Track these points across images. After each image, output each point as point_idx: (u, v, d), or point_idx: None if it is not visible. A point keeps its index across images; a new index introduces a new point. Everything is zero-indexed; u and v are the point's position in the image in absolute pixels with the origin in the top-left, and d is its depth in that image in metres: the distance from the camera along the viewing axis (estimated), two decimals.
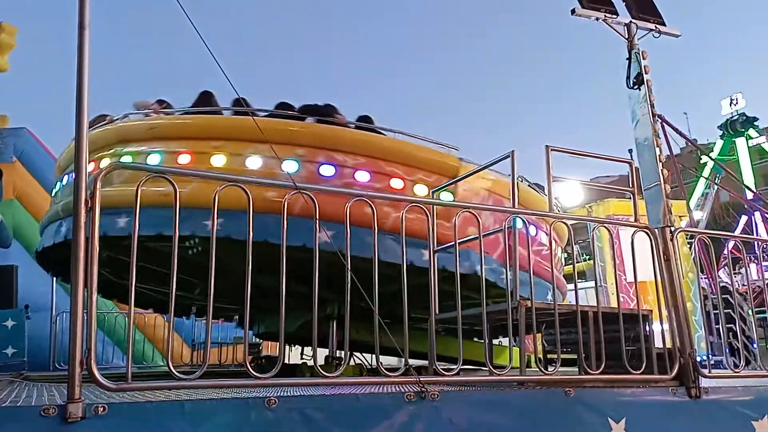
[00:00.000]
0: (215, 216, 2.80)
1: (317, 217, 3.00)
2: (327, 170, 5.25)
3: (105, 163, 5.52)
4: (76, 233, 2.44)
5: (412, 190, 5.35)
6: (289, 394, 2.82)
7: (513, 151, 4.28)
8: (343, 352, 3.22)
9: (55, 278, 8.01)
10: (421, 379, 2.97)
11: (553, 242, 6.01)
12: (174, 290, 2.72)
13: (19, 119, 12.82)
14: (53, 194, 6.73)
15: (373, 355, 3.35)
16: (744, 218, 28.27)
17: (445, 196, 5.27)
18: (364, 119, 6.09)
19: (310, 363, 5.61)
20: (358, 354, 6.49)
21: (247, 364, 2.83)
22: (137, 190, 2.65)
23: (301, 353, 7.29)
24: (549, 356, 4.72)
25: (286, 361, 6.33)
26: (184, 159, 5.31)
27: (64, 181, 6.26)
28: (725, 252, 19.78)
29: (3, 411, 2.51)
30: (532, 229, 5.28)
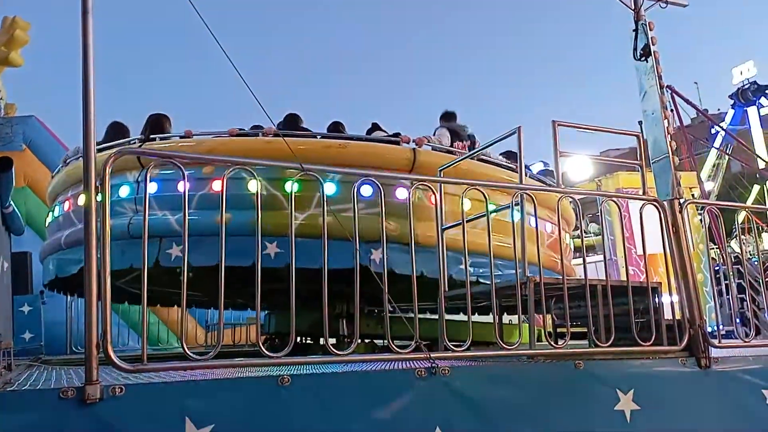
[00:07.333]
0: (224, 203, 2.83)
1: (324, 199, 3.03)
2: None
3: None
4: (87, 223, 2.47)
5: None
6: (301, 372, 2.87)
7: (520, 127, 4.26)
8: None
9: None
10: (431, 355, 3.01)
11: (562, 230, 5.97)
12: (186, 274, 2.76)
13: (26, 108, 12.94)
14: (47, 224, 6.49)
15: (383, 340, 3.40)
16: (756, 188, 28.07)
17: None
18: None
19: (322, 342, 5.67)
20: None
21: (260, 343, 2.88)
22: (147, 177, 2.68)
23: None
24: (559, 330, 4.74)
25: (298, 341, 6.42)
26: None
27: (56, 212, 6.08)
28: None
29: (23, 394, 2.56)
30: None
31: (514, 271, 3.60)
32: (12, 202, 4.70)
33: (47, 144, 11.68)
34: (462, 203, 3.59)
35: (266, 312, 7.03)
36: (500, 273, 4.83)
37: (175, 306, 8.46)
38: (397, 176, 4.36)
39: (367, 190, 4.52)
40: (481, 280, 4.80)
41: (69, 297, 8.90)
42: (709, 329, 4.03)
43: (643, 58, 4.50)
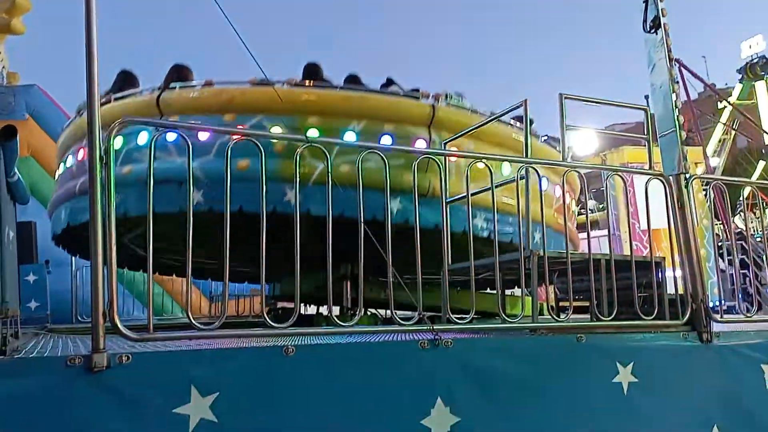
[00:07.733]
0: (228, 175, 2.83)
1: (330, 170, 3.03)
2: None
3: None
4: (92, 189, 2.47)
5: None
6: (305, 342, 2.89)
7: (526, 100, 4.23)
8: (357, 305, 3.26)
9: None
10: (434, 327, 3.02)
11: (567, 194, 5.95)
12: (191, 244, 2.76)
13: (29, 77, 12.89)
14: (57, 176, 6.51)
15: (387, 309, 3.41)
16: (762, 163, 27.88)
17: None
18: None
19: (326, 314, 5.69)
20: (372, 309, 6.58)
21: (265, 314, 2.89)
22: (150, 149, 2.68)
23: (317, 309, 7.41)
24: (561, 304, 4.76)
25: (302, 312, 6.45)
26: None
27: (68, 162, 6.09)
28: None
29: (30, 362, 2.59)
30: (544, 182, 5.26)
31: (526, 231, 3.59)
32: (17, 171, 4.69)
33: (50, 113, 11.64)
34: (467, 174, 3.58)
35: (270, 284, 7.08)
36: (510, 231, 4.85)
37: (174, 275, 8.46)
38: (402, 149, 4.35)
39: (386, 142, 4.64)
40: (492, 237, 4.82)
41: (74, 265, 8.97)
42: (712, 304, 4.05)
43: (652, 30, 4.44)
